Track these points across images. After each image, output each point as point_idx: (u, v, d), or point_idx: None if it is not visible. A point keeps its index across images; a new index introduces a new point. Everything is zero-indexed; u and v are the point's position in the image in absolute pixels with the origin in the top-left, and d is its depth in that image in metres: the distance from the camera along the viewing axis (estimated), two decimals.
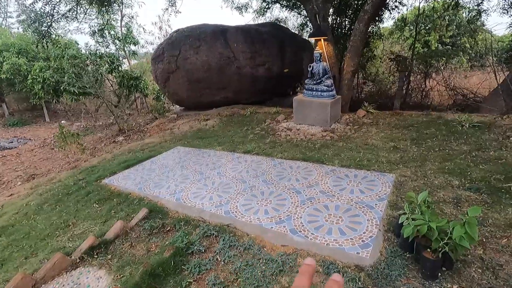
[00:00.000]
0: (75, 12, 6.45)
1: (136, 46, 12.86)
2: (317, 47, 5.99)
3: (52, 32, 6.27)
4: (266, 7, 9.91)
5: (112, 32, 12.13)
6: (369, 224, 2.62)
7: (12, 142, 11.86)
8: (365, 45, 9.02)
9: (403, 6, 8.02)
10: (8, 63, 13.01)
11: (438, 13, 9.21)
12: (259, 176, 3.87)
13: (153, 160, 5.06)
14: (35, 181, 5.61)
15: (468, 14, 8.21)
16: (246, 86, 8.94)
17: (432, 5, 9.06)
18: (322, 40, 6.16)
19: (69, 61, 10.28)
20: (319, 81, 5.99)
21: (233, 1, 9.99)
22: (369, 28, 8.88)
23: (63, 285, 2.45)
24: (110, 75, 11.76)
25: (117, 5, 8.01)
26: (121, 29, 13.44)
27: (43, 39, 6.31)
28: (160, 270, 2.36)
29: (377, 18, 8.23)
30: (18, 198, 4.55)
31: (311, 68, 6.06)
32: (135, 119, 11.00)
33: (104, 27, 12.03)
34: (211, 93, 8.99)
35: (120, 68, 11.57)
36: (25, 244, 3.16)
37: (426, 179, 3.34)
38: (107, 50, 12.49)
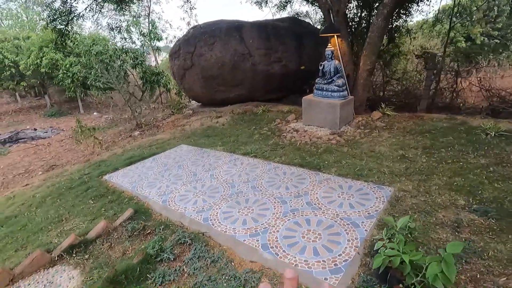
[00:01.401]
0: (93, 10, 6.68)
1: (160, 41, 13.22)
2: (329, 44, 5.64)
3: (70, 30, 6.55)
4: (286, 1, 9.57)
5: (138, 28, 12.54)
6: (348, 246, 2.38)
7: (47, 132, 12.80)
8: (390, 40, 8.40)
9: None
10: (46, 58, 13.98)
11: (477, 5, 8.26)
12: (249, 181, 3.73)
13: (155, 158, 5.13)
14: (51, 172, 5.96)
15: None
16: (261, 84, 8.77)
17: None
18: (335, 36, 5.79)
19: (96, 56, 10.81)
20: (330, 80, 5.66)
21: None
22: (395, 23, 8.24)
23: (38, 282, 2.53)
24: (134, 70, 12.21)
25: (137, 2, 8.18)
26: (148, 25, 13.85)
27: (62, 37, 6.64)
28: (123, 277, 2.34)
29: (402, 11, 7.57)
30: (30, 188, 4.85)
31: (322, 66, 5.74)
32: (154, 114, 11.32)
33: (130, 23, 12.46)
34: (225, 90, 8.94)
35: (143, 64, 11.95)
36: (19, 236, 3.34)
37: (428, 195, 2.98)
38: (133, 46, 12.94)
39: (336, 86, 5.49)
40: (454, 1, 8.11)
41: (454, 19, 8.74)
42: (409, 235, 2.00)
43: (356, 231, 2.55)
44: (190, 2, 9.20)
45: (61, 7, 5.94)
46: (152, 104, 14.36)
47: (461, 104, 8.13)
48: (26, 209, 3.99)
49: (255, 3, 9.92)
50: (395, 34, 8.16)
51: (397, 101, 9.27)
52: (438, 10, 8.83)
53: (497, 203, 2.71)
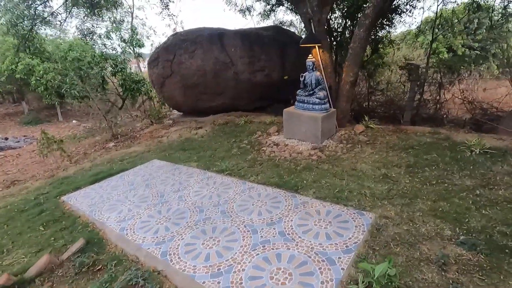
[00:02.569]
0: (60, 15, 6.27)
1: (142, 48, 12.82)
2: (310, 55, 5.42)
3: (35, 36, 6.12)
4: (270, 9, 9.41)
5: (118, 34, 12.12)
6: None
7: (19, 141, 12.09)
8: (374, 51, 8.31)
9: (415, 9, 7.23)
10: (22, 63, 13.32)
11: (458, 17, 8.31)
12: (220, 205, 3.39)
13: (122, 175, 4.72)
14: (10, 190, 5.44)
15: (491, 18, 7.28)
16: (244, 93, 8.50)
17: (451, 9, 8.17)
18: (316, 47, 5.58)
19: (72, 63, 10.30)
20: (311, 92, 5.42)
21: (236, 4, 9.58)
22: (379, 33, 8.17)
23: None
24: (114, 77, 11.73)
25: (114, 7, 7.84)
26: (131, 32, 13.43)
27: (24, 42, 6.19)
28: None
29: (385, 22, 7.50)
30: None
31: (303, 78, 5.51)
32: (134, 123, 10.85)
33: (110, 29, 12.03)
34: (208, 99, 8.62)
35: (124, 71, 11.50)
36: None
37: (411, 224, 2.72)
38: (113, 52, 12.48)
39: (317, 98, 5.26)
40: (436, 13, 8.12)
41: (436, 30, 8.78)
42: (389, 284, 1.71)
43: (331, 269, 2.24)
44: (168, 9, 8.89)
45: (25, 11, 5.53)
46: (134, 113, 13.88)
47: (445, 116, 8.07)
48: None
49: (239, 11, 9.72)
50: (379, 45, 8.07)
51: (381, 112, 9.17)
52: (421, 21, 8.83)
53: (485, 234, 2.46)
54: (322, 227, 2.78)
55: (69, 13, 6.49)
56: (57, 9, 6.19)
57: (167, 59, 8.19)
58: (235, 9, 9.70)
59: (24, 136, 13.65)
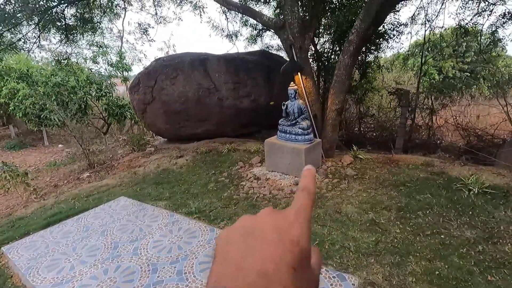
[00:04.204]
0: (28, 42, 5.98)
1: (129, 72, 12.62)
2: (292, 82, 5.10)
3: None
4: (257, 34, 9.28)
5: (105, 59, 11.95)
6: None
7: None
8: (362, 76, 8.08)
9: (402, 34, 7.07)
10: (7, 87, 12.98)
11: (446, 42, 8.19)
12: (178, 262, 2.86)
13: (80, 217, 4.18)
14: None
15: (480, 43, 7.13)
16: (229, 119, 8.13)
17: (439, 34, 8.06)
18: (299, 74, 5.27)
19: (53, 88, 9.98)
20: (294, 122, 5.05)
21: (222, 29, 9.46)
22: (367, 58, 7.98)
23: None
24: (98, 102, 11.40)
25: (91, 32, 7.63)
26: (120, 56, 13.28)
27: None
28: None
29: (372, 47, 7.31)
30: None
31: (285, 106, 5.16)
32: (116, 149, 10.37)
33: (97, 54, 11.86)
34: (191, 126, 8.23)
35: (108, 96, 11.20)
36: None
37: None
38: (99, 76, 12.25)
39: (300, 128, 4.87)
40: (424, 38, 7.99)
41: (426, 53, 8.65)
42: None
43: None
44: (148, 35, 8.70)
45: None
46: (121, 137, 13.44)
47: (438, 142, 7.72)
48: None
49: (225, 36, 9.57)
50: (367, 70, 7.85)
51: (373, 137, 8.82)
52: (410, 45, 8.71)
53: None
54: None
55: (38, 38, 6.17)
56: (26, 34, 5.89)
57: (148, 85, 7.87)
58: (221, 35, 9.55)
59: (3, 162, 13.09)
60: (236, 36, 9.41)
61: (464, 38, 7.90)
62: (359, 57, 7.35)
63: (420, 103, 7.61)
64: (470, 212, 3.16)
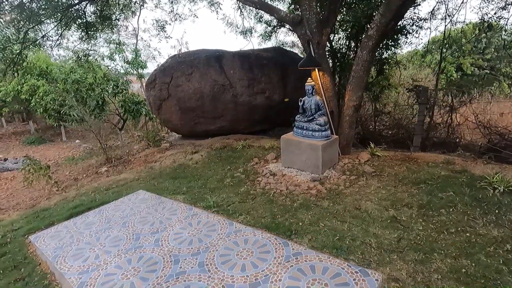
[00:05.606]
0: (51, 38, 6.16)
1: (144, 69, 12.81)
2: (310, 78, 5.06)
3: (24, 59, 5.98)
4: (271, 31, 9.25)
5: (121, 56, 12.17)
6: None
7: (17, 162, 11.90)
8: (379, 72, 7.94)
9: (421, 29, 6.89)
10: (27, 84, 13.42)
11: (467, 38, 7.94)
12: (200, 253, 2.90)
13: (102, 209, 4.30)
14: None
15: (504, 38, 6.88)
16: (243, 116, 8.16)
17: (460, 29, 7.81)
18: (316, 70, 5.23)
19: (72, 85, 10.25)
20: (311, 118, 5.01)
21: (237, 26, 9.48)
22: (384, 54, 7.84)
23: None
24: (115, 98, 11.63)
25: (110, 29, 7.79)
26: (135, 54, 13.49)
27: (13, 66, 6.05)
28: None
29: (390, 43, 7.16)
30: None
31: (302, 102, 5.13)
32: (132, 145, 10.57)
33: (114, 51, 12.09)
34: (206, 122, 8.30)
35: (124, 93, 11.40)
36: None
37: None
38: (116, 72, 12.48)
39: (317, 125, 4.83)
40: (444, 33, 7.77)
41: (444, 50, 8.41)
42: None
43: None
44: (164, 31, 8.81)
45: (14, 35, 5.41)
46: (136, 133, 13.67)
47: (458, 141, 7.51)
48: None
49: (240, 33, 9.59)
50: (384, 66, 7.71)
51: (389, 135, 8.66)
52: (428, 41, 8.48)
53: None
54: None
55: (60, 37, 6.35)
56: (48, 32, 6.07)
57: (164, 81, 7.98)
58: (236, 32, 9.57)
59: (25, 156, 13.54)
60: (251, 33, 9.41)
61: (487, 34, 7.63)
62: (377, 53, 7.22)
63: (439, 100, 7.41)
64: (497, 211, 3.07)
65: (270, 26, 9.12)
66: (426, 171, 4.36)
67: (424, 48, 9.58)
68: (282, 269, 2.56)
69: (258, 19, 9.10)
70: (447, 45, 8.73)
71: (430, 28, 7.93)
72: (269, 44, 9.94)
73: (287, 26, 8.77)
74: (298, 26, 5.19)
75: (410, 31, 6.86)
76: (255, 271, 2.56)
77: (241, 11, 8.90)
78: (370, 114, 9.09)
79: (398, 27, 6.73)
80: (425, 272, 2.37)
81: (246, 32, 9.47)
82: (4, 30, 5.10)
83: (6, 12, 4.78)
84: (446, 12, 7.31)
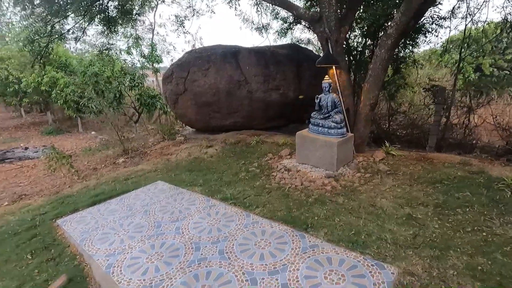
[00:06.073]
0: (76, 31, 6.38)
1: (160, 63, 13.03)
2: (326, 75, 5.10)
3: (51, 52, 6.21)
4: (287, 27, 9.26)
5: (138, 50, 12.42)
6: None
7: (37, 151, 12.36)
8: (396, 71, 7.88)
9: (441, 28, 6.78)
10: (48, 76, 13.86)
11: (489, 37, 7.77)
12: (219, 242, 3.03)
13: (123, 198, 4.48)
14: (13, 206, 5.34)
15: None
16: (258, 112, 8.25)
17: (481, 28, 7.65)
18: (333, 68, 5.26)
19: (91, 78, 10.54)
20: (327, 115, 5.06)
21: (252, 22, 9.53)
22: (401, 53, 7.76)
23: None
24: (131, 91, 11.90)
25: (130, 23, 7.98)
26: (151, 48, 13.73)
27: (40, 59, 6.29)
28: None
29: (408, 42, 7.09)
30: None
31: (318, 99, 5.17)
32: (147, 138, 10.82)
33: (131, 45, 12.33)
34: (220, 117, 8.42)
35: (140, 86, 11.65)
36: None
37: (443, 285, 2.24)
38: (132, 66, 12.74)
39: (333, 122, 4.88)
40: (464, 33, 7.63)
41: (463, 50, 8.25)
42: None
43: None
44: (183, 26, 8.94)
45: (42, 28, 5.64)
46: (150, 126, 13.96)
47: (474, 142, 7.41)
48: None
49: (255, 29, 9.63)
50: (401, 65, 7.64)
51: (403, 135, 8.60)
52: (447, 40, 8.34)
53: None
54: (334, 282, 2.35)
55: (84, 30, 6.57)
56: (73, 26, 6.29)
57: (181, 76, 8.13)
58: (251, 28, 9.62)
59: (44, 146, 14.02)
60: (267, 29, 9.45)
61: (509, 34, 7.44)
62: (394, 52, 7.16)
63: (457, 100, 7.31)
64: None
65: (286, 22, 9.14)
66: (442, 171, 4.37)
67: (442, 47, 9.42)
68: (299, 260, 2.66)
69: (274, 16, 9.13)
70: (466, 45, 8.57)
71: (449, 27, 7.72)
72: (284, 40, 9.93)
73: (304, 23, 8.77)
74: (317, 24, 5.22)
75: (430, 29, 6.77)
76: (274, 260, 2.67)
77: (257, 7, 8.95)
78: (385, 113, 9.03)
79: (418, 25, 6.65)
80: (440, 268, 2.43)
81: (262, 29, 9.52)
82: (33, 24, 5.37)
83: (36, 6, 5.00)
84: (467, 11, 7.18)
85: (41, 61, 6.60)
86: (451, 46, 10.77)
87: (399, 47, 7.50)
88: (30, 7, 5.01)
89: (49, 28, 5.60)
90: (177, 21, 8.73)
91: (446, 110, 7.27)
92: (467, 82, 8.26)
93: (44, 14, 5.26)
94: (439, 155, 5.36)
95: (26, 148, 12.77)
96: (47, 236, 3.59)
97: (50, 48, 6.34)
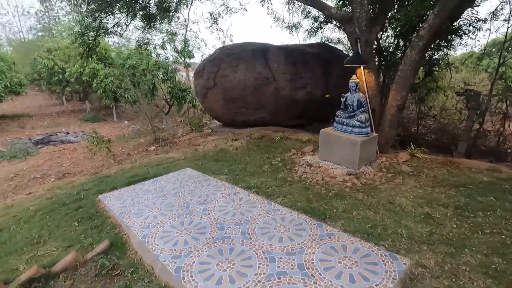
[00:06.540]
0: (120, 27, 6.92)
1: (192, 59, 13.61)
2: (354, 75, 5.18)
3: (97, 45, 6.80)
4: (318, 27, 9.31)
5: (172, 45, 13.03)
6: None
7: (77, 136, 13.42)
8: (427, 74, 7.70)
9: (479, 31, 6.54)
10: (89, 67, 14.95)
11: None
12: (242, 224, 3.29)
13: (155, 180, 4.89)
14: (60, 181, 5.97)
15: None
16: (284, 109, 8.43)
17: None
18: (361, 68, 5.32)
19: (128, 70, 11.27)
20: (352, 114, 5.15)
21: (283, 21, 9.68)
22: (435, 55, 7.57)
23: None
24: (163, 84, 12.56)
25: (166, 20, 8.45)
26: (184, 44, 14.33)
27: (88, 50, 6.90)
28: None
29: (443, 43, 6.90)
30: (30, 198, 4.80)
31: (344, 98, 5.27)
32: (176, 129, 11.38)
33: (166, 41, 12.96)
34: (247, 113, 8.70)
35: (173, 79, 12.25)
36: None
37: (454, 279, 2.33)
38: (166, 61, 13.40)
39: (358, 121, 4.96)
40: (506, 35, 7.29)
41: (505, 53, 7.86)
42: None
43: None
44: (217, 24, 9.30)
45: (92, 23, 6.22)
46: (178, 118, 14.62)
47: (509, 151, 7.09)
48: (15, 223, 3.88)
49: (286, 28, 9.78)
50: (433, 68, 7.46)
51: (431, 139, 8.39)
52: (487, 43, 7.99)
53: None
54: (347, 267, 2.52)
55: (127, 26, 7.12)
56: (119, 21, 6.84)
57: (212, 71, 8.49)
58: (282, 26, 9.78)
59: (82, 132, 15.16)
60: (297, 28, 9.56)
61: None
62: (427, 54, 7.02)
63: (492, 106, 7.03)
64: None
65: (316, 21, 9.20)
66: (468, 175, 4.32)
67: (481, 50, 9.01)
68: (316, 245, 2.85)
69: (305, 15, 9.22)
70: (509, 48, 8.15)
71: (489, 30, 7.39)
72: (314, 39, 9.99)
73: (334, 22, 8.78)
74: (348, 24, 5.30)
75: (466, 32, 6.56)
76: (291, 243, 2.88)
77: (289, 6, 9.09)
78: (414, 116, 8.84)
79: (453, 27, 6.48)
80: (453, 263, 2.51)
81: (292, 27, 9.64)
82: (85, 18, 5.95)
83: (89, 2, 5.56)
84: (510, 13, 6.86)
85: (89, 53, 7.22)
86: (492, 50, 10.25)
87: (433, 49, 7.33)
88: (86, 2, 5.57)
89: (97, 23, 6.20)
90: (211, 18, 9.11)
91: (479, 116, 7.01)
92: (506, 87, 7.86)
93: (94, 10, 5.82)
94: (466, 161, 5.26)
95: (67, 133, 13.88)
96: (91, 208, 4.05)
97: (97, 42, 6.94)
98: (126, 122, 18.58)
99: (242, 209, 3.67)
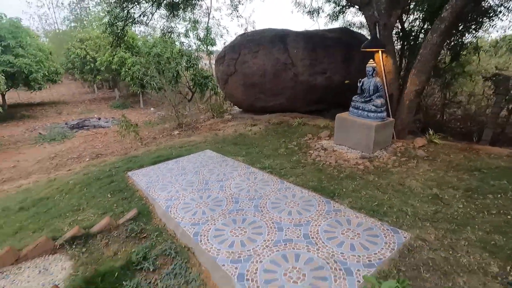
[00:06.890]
0: (146, 17, 7.27)
1: (214, 46, 13.86)
2: (372, 60, 5.17)
3: (126, 34, 7.21)
4: (339, 11, 9.15)
5: (195, 33, 13.32)
6: None
7: (108, 122, 14.33)
8: (454, 58, 7.41)
9: (511, 12, 6.14)
10: (117, 56, 15.69)
11: None
12: (255, 199, 3.57)
13: (178, 160, 5.28)
14: (94, 161, 6.57)
15: None
16: (302, 95, 8.50)
17: None
18: (379, 52, 5.29)
19: (154, 58, 11.75)
20: (368, 99, 5.18)
21: (304, 6, 9.59)
22: (462, 39, 7.25)
23: (36, 267, 2.74)
24: (187, 72, 12.96)
25: (190, 9, 8.68)
26: (206, 32, 14.59)
27: (117, 39, 7.34)
28: (99, 279, 2.39)
29: (472, 26, 6.58)
30: (70, 174, 5.39)
31: (361, 83, 5.30)
32: (198, 115, 11.81)
33: (189, 29, 13.27)
34: (265, 99, 8.87)
35: (195, 67, 12.60)
36: (42, 218, 3.70)
37: (452, 251, 2.46)
38: (189, 49, 13.75)
39: (374, 106, 5.00)
40: None
41: None
42: None
43: (347, 280, 2.21)
44: (237, 11, 9.40)
45: (120, 13, 6.61)
46: (201, 105, 15.08)
47: None
48: (58, 193, 4.42)
49: (307, 13, 9.69)
50: (461, 52, 7.16)
51: (457, 127, 8.12)
52: None
53: None
54: (349, 237, 2.72)
55: (152, 15, 7.46)
56: (145, 11, 7.19)
57: (233, 57, 8.69)
58: (303, 11, 9.70)
59: (113, 117, 16.13)
60: (318, 13, 9.45)
61: None
62: (453, 37, 6.76)
63: None
64: None
65: (338, 5, 9.04)
66: (485, 161, 4.28)
67: None
68: (322, 219, 3.06)
69: None
70: None
71: None
72: (336, 24, 9.84)
73: (356, 6, 8.58)
74: (366, 7, 5.26)
75: (497, 13, 6.22)
76: (299, 217, 3.12)
77: None
78: (438, 102, 8.57)
79: (483, 8, 6.17)
80: (453, 238, 2.62)
81: (314, 12, 9.54)
82: (113, 9, 6.36)
83: None
84: None
85: (118, 42, 7.69)
86: None
87: (460, 32, 7.02)
88: None
89: (125, 13, 6.58)
90: (232, 5, 9.23)
91: (508, 101, 6.71)
92: None
93: (122, 0, 6.19)
94: (487, 147, 5.14)
95: (99, 119, 14.82)
96: (121, 182, 4.51)
97: (126, 31, 7.37)
98: (152, 108, 19.41)
99: (256, 186, 3.94)
